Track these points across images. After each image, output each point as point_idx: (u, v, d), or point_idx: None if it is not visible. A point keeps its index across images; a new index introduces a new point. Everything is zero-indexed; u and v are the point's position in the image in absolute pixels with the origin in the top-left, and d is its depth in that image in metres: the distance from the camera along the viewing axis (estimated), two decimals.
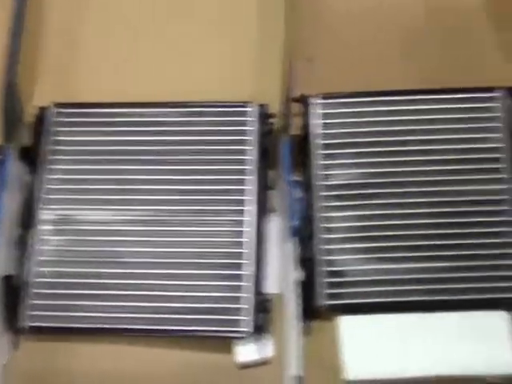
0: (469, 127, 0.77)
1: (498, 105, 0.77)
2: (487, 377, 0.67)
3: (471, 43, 0.86)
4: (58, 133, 0.77)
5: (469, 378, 0.67)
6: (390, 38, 0.87)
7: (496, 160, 0.76)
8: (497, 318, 0.72)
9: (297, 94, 0.80)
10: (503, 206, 0.75)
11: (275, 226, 0.78)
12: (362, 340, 0.71)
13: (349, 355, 0.70)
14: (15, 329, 0.72)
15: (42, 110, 0.78)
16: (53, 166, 0.76)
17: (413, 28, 0.88)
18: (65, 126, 0.78)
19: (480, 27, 0.88)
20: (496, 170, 0.76)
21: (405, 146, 0.77)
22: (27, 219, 0.74)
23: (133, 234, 0.73)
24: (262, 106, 0.77)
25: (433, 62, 0.85)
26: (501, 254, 0.74)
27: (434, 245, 0.74)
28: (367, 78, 0.83)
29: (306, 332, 0.72)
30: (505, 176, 0.76)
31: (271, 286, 0.74)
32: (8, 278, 0.70)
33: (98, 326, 0.70)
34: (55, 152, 0.76)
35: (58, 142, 0.77)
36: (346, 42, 0.87)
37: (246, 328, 0.69)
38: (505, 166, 0.76)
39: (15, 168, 0.76)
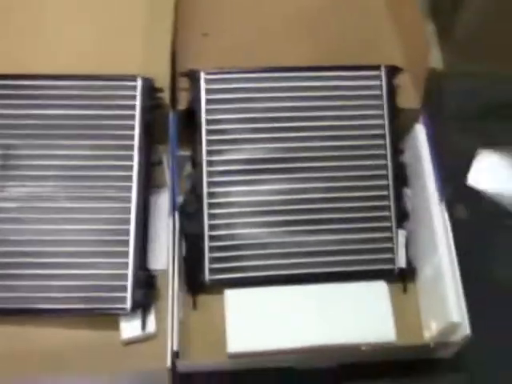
0: (353, 104, 0.80)
1: (380, 82, 0.80)
2: (365, 345, 0.70)
3: (357, 17, 0.89)
4: None
5: (348, 347, 0.70)
6: (286, 16, 0.88)
7: (378, 136, 0.79)
8: (377, 287, 0.75)
9: (187, 68, 0.80)
10: (383, 181, 0.78)
11: (166, 201, 0.78)
12: (245, 313, 0.73)
13: (232, 328, 0.71)
14: None
15: None
16: None
17: (308, 6, 0.89)
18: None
19: (377, 7, 0.90)
20: (378, 146, 0.79)
21: (292, 122, 0.79)
22: None
23: (15, 211, 0.71)
24: (147, 79, 0.76)
25: (326, 40, 0.86)
26: (380, 228, 0.78)
27: (317, 219, 0.77)
28: (258, 54, 0.83)
29: (193, 306, 0.73)
30: (384, 152, 0.79)
31: (158, 262, 0.74)
32: None
33: None
34: None
35: None
36: (241, 19, 0.88)
37: (129, 305, 0.69)
38: (384, 142, 0.79)
39: None
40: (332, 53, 0.86)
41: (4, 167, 0.72)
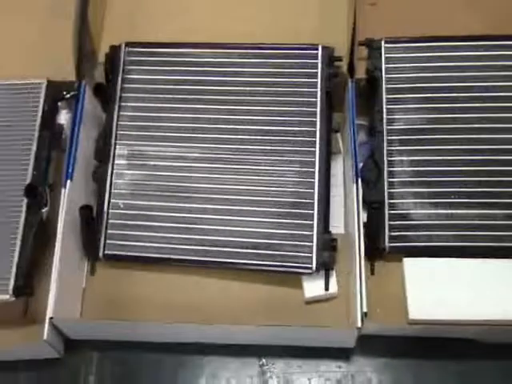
0: None
1: None
2: None
3: None
4: (128, 71, 0.78)
5: None
6: None
7: None
8: None
9: (362, 37, 0.80)
10: None
11: (339, 168, 0.79)
12: (424, 282, 0.72)
13: (412, 296, 0.71)
14: (92, 256, 0.75)
15: (113, 48, 0.79)
16: (124, 104, 0.77)
17: None
18: (135, 65, 0.79)
19: None
20: None
21: (470, 91, 0.77)
22: (103, 154, 0.76)
23: (202, 171, 0.75)
24: (327, 48, 0.77)
25: (494, 7, 0.83)
26: None
27: (499, 191, 0.74)
28: (429, 22, 0.82)
29: (371, 272, 0.74)
30: None
31: (337, 226, 0.76)
32: (86, 209, 0.73)
33: (168, 256, 0.73)
34: (126, 90, 0.78)
35: (129, 80, 0.78)
36: None
37: (313, 265, 0.71)
38: None
39: (90, 104, 0.78)
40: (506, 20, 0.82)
41: (194, 130, 0.76)
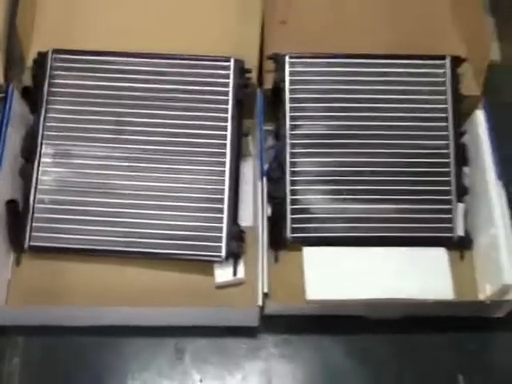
0: (419, 89, 0.88)
1: (445, 70, 0.89)
2: (426, 301, 0.79)
3: (423, 12, 0.98)
4: (55, 76, 0.85)
5: (413, 301, 0.79)
6: (354, 7, 0.97)
7: (441, 119, 0.88)
8: (438, 252, 0.84)
9: (271, 52, 0.90)
10: (445, 159, 0.87)
11: (250, 168, 0.89)
12: (321, 267, 0.83)
13: (309, 279, 0.82)
14: (18, 248, 0.81)
15: (41, 54, 0.85)
16: (51, 106, 0.83)
17: None
18: (61, 70, 0.85)
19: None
20: (441, 128, 0.88)
21: (364, 103, 0.88)
22: (29, 152, 0.82)
23: (124, 169, 0.82)
24: (239, 61, 0.86)
25: (389, 29, 0.95)
26: (441, 200, 0.86)
27: (386, 189, 0.86)
28: (332, 40, 0.93)
29: (275, 260, 0.84)
30: (447, 133, 0.88)
31: (246, 220, 0.85)
32: (12, 203, 0.79)
33: (90, 247, 0.80)
34: (53, 93, 0.84)
35: (55, 85, 0.84)
36: (315, 9, 0.97)
37: (223, 253, 0.80)
38: (446, 124, 0.88)
39: (18, 106, 0.84)
40: (400, 41, 0.94)
41: (116, 131, 0.83)
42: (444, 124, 0.88)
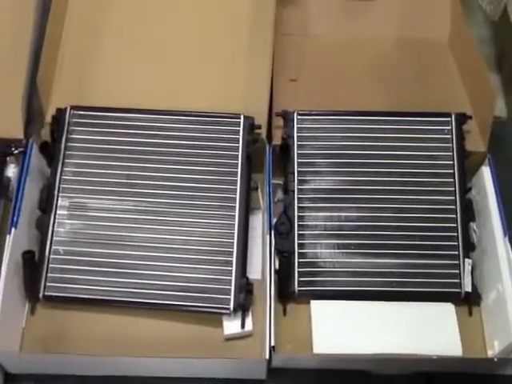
0: (426, 146, 0.91)
1: (450, 127, 0.91)
2: (435, 357, 0.78)
3: (430, 72, 1.01)
4: (72, 131, 0.88)
5: (420, 357, 0.78)
6: (362, 65, 1.02)
7: (448, 175, 0.90)
8: (445, 307, 0.85)
9: (280, 109, 0.93)
10: (452, 214, 0.88)
11: (259, 221, 0.90)
12: (328, 321, 0.83)
13: (316, 333, 0.82)
14: (33, 297, 0.83)
15: (60, 110, 0.89)
16: (67, 160, 0.87)
17: (384, 56, 1.03)
18: (78, 126, 0.89)
19: (440, 60, 1.03)
20: (448, 184, 0.89)
21: (370, 158, 0.90)
22: (46, 204, 0.85)
23: (135, 222, 0.84)
24: (248, 117, 0.89)
25: (397, 88, 0.99)
26: (448, 255, 0.87)
27: (393, 244, 0.87)
28: (340, 98, 0.97)
29: (283, 313, 0.85)
30: (453, 189, 0.89)
31: (254, 273, 0.86)
32: (29, 253, 0.81)
33: (102, 297, 0.82)
34: (69, 148, 0.87)
35: (72, 140, 0.88)
36: (325, 67, 1.01)
37: (231, 305, 0.81)
38: (453, 180, 0.89)
39: (36, 159, 0.87)
40: (406, 99, 0.98)
41: (128, 185, 0.86)
42: (450, 180, 0.90)
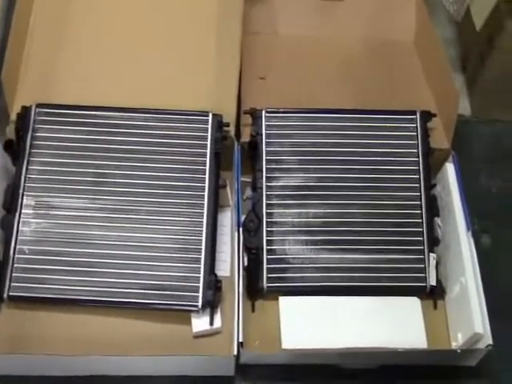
0: (391, 143, 0.92)
1: (415, 125, 0.93)
2: (401, 349, 0.80)
3: (397, 71, 1.03)
4: (37, 129, 0.87)
5: (386, 350, 0.80)
6: (330, 64, 1.03)
7: (412, 171, 0.91)
8: (411, 301, 0.86)
9: (248, 107, 0.93)
10: (417, 210, 0.90)
11: (228, 219, 0.91)
12: (297, 316, 0.84)
13: (285, 329, 0.83)
14: None
15: (25, 108, 0.88)
16: (33, 158, 0.86)
17: (351, 56, 1.04)
18: (44, 124, 0.87)
19: (406, 59, 1.05)
20: (413, 180, 0.91)
21: (337, 155, 0.91)
22: (10, 203, 0.83)
23: (102, 220, 0.84)
24: (217, 115, 0.89)
25: (364, 86, 1.00)
26: (413, 250, 0.88)
27: (360, 239, 0.88)
28: (308, 96, 0.97)
29: (252, 309, 0.85)
30: (418, 185, 0.91)
31: (223, 270, 0.87)
32: None
33: (70, 297, 0.81)
34: (35, 146, 0.86)
35: (38, 138, 0.87)
36: (293, 66, 1.02)
37: (199, 303, 0.81)
38: (417, 176, 0.91)
39: (0, 158, 0.86)
40: (373, 97, 0.99)
41: (95, 183, 0.86)
42: (415, 176, 0.91)
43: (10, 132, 0.88)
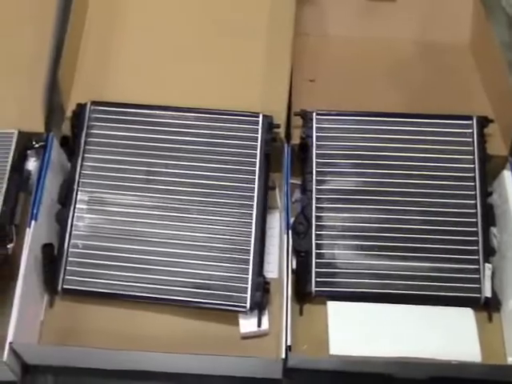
0: (446, 149, 0.90)
1: (472, 130, 0.91)
2: (454, 361, 0.77)
3: (451, 74, 1.01)
4: (92, 127, 0.88)
5: (438, 362, 0.78)
6: (381, 67, 1.01)
7: (468, 178, 0.89)
8: (465, 312, 0.84)
9: (298, 109, 0.92)
10: (472, 218, 0.87)
11: (277, 221, 0.90)
12: (345, 322, 0.83)
13: (333, 335, 0.82)
14: (51, 290, 0.83)
15: (80, 105, 0.89)
16: (87, 155, 0.87)
17: (403, 58, 1.02)
18: (98, 121, 0.89)
19: (460, 63, 1.02)
20: (468, 187, 0.88)
21: (389, 160, 0.90)
22: (65, 198, 0.85)
23: (153, 217, 0.84)
24: (267, 116, 0.89)
25: (416, 90, 0.98)
26: (468, 260, 0.86)
27: (412, 247, 0.86)
28: (359, 99, 0.96)
29: (300, 313, 0.84)
30: (474, 193, 0.88)
31: (272, 272, 0.86)
32: (48, 246, 0.81)
33: (120, 292, 0.82)
34: (89, 143, 0.88)
35: (92, 135, 0.88)
36: (343, 68, 1.01)
37: (247, 304, 0.80)
38: (473, 184, 0.88)
39: (56, 154, 0.88)
40: (426, 101, 0.97)
41: (147, 181, 0.86)
42: (471, 183, 0.89)
43: (66, 129, 0.89)
